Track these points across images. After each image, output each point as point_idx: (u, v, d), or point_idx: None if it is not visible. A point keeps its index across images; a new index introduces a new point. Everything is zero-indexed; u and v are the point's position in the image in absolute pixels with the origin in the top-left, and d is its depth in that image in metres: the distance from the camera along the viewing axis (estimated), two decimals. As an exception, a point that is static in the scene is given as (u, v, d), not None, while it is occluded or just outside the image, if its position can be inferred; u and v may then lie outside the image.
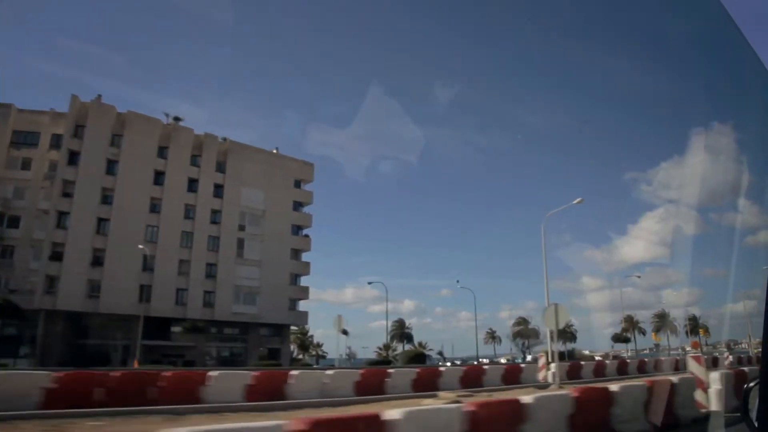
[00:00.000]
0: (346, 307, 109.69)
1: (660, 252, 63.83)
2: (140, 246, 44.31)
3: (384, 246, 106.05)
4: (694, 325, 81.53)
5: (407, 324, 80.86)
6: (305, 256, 56.73)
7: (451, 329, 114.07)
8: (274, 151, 57.30)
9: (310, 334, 75.44)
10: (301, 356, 72.23)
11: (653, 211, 66.31)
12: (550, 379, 19.07)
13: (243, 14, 74.24)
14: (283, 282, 53.05)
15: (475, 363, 56.75)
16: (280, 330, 53.78)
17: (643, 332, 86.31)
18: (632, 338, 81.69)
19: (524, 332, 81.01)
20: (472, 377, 20.08)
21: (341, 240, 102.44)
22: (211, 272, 49.66)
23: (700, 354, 13.22)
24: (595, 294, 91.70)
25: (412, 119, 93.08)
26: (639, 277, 57.09)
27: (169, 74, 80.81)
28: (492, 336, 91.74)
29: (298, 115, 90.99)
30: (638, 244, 76.66)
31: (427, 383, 17.83)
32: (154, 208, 47.94)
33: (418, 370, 19.39)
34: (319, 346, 77.94)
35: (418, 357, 47.34)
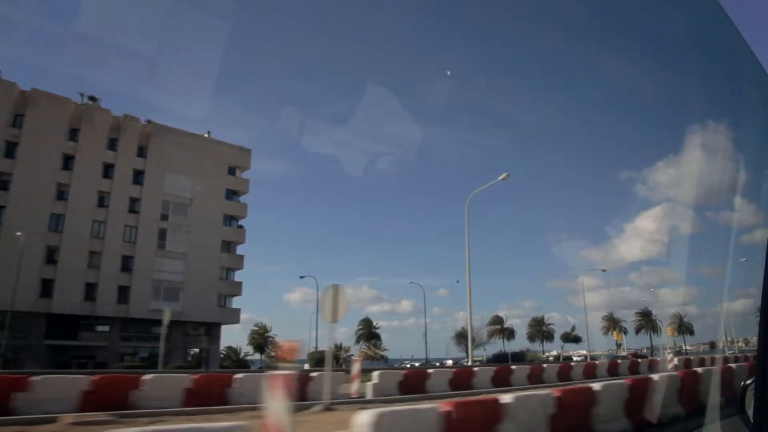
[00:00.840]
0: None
1: (656, 251, 64.52)
2: (40, 236, 40.06)
3: (381, 245, 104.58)
4: (679, 324, 79.27)
5: (375, 323, 76.73)
6: (241, 249, 52.90)
7: (449, 329, 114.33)
8: (206, 135, 53.24)
9: (272, 332, 71.69)
10: (259, 357, 68.67)
11: (650, 210, 65.73)
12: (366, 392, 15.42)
13: (240, 12, 72.33)
14: (212, 277, 49.00)
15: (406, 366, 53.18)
16: (209, 329, 49.75)
17: (624, 331, 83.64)
18: (586, 338, 78.59)
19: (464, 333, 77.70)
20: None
21: (339, 239, 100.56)
22: (127, 265, 45.49)
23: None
24: (592, 293, 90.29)
25: (409, 117, 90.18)
26: (604, 270, 53.47)
27: (164, 72, 78.75)
28: (464, 336, 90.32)
29: (294, 114, 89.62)
30: (635, 243, 75.54)
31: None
32: (62, 195, 43.67)
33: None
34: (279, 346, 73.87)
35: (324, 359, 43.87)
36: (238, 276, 52.33)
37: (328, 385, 11.67)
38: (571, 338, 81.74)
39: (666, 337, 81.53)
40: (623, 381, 9.96)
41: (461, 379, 19.44)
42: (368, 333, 73.46)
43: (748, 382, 2.17)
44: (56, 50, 62.52)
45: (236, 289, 51.42)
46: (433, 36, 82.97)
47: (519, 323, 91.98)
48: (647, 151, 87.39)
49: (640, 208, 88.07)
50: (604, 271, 49.33)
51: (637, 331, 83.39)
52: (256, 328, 69.43)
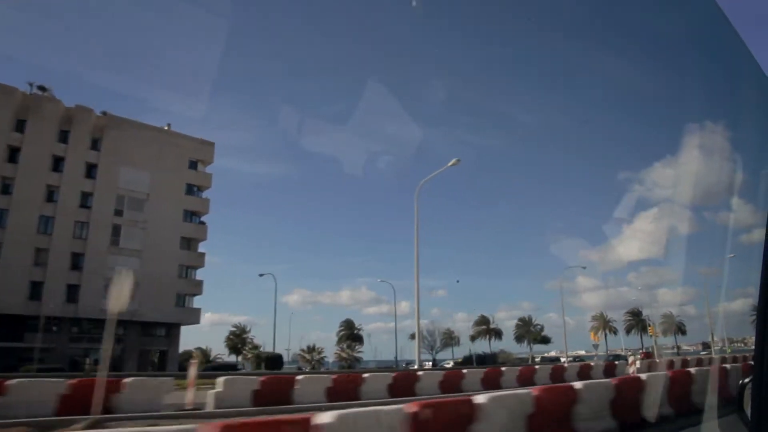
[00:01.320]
0: (342, 309, 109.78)
1: (655, 251, 63.98)
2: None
3: (380, 246, 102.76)
4: (669, 324, 77.58)
5: (357, 325, 74.73)
6: (205, 246, 50.91)
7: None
8: (166, 128, 51.19)
9: (251, 334, 69.39)
10: (235, 359, 66.60)
11: (648, 210, 66.14)
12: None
13: (238, 13, 70.60)
14: (170, 275, 46.95)
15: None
16: (169, 329, 47.69)
17: (614, 332, 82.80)
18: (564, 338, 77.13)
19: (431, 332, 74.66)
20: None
21: (337, 240, 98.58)
22: (77, 263, 43.35)
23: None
24: (591, 294, 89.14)
25: (408, 117, 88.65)
26: (584, 268, 52.21)
27: (162, 72, 77.97)
28: (450, 337, 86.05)
29: (293, 114, 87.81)
30: (633, 243, 73.67)
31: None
32: (7, 189, 41.48)
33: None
34: (256, 348, 71.47)
35: (272, 360, 42.19)
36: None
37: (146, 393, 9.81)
38: (539, 339, 79.83)
39: (658, 337, 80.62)
40: (609, 380, 9.97)
41: (403, 385, 17.79)
42: (349, 334, 71.86)
43: (746, 380, 2.16)
44: (53, 49, 61.73)
45: (196, 287, 49.44)
46: (432, 36, 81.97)
47: (519, 324, 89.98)
48: (645, 151, 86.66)
49: (638, 208, 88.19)
50: (584, 268, 48.19)
51: (628, 331, 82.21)
52: (235, 329, 68.25)
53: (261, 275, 58.23)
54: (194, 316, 49.26)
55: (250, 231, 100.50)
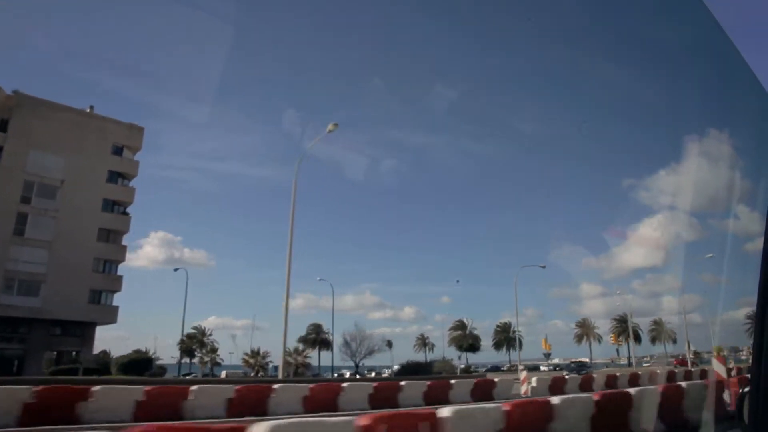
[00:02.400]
0: (346, 314, 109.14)
1: (659, 258, 61.64)
2: None
3: (384, 252, 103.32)
4: (659, 332, 75.31)
5: (325, 329, 69.63)
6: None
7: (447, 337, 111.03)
8: (88, 111, 47.23)
9: (211, 336, 64.94)
10: (188, 362, 62.74)
11: (652, 217, 66.17)
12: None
13: (243, 18, 71.34)
14: (83, 269, 42.92)
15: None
16: (83, 329, 43.61)
17: (599, 339, 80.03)
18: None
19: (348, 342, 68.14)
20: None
21: (342, 245, 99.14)
22: (-28, 254, 39.16)
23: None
24: (594, 301, 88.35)
25: (411, 125, 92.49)
26: (543, 267, 49.07)
27: (168, 77, 78.26)
28: (423, 343, 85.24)
29: (297, 120, 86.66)
30: (637, 250, 72.84)
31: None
32: None
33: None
34: (214, 351, 67.04)
35: (138, 364, 39.93)
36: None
37: None
38: (467, 346, 75.78)
39: (647, 347, 77.12)
40: (589, 395, 9.96)
41: (323, 398, 15.49)
42: (315, 339, 67.61)
43: (746, 390, 2.10)
44: (63, 54, 63.75)
45: (114, 283, 45.48)
46: (434, 44, 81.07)
47: (522, 330, 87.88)
48: (649, 159, 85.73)
49: (642, 215, 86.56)
50: (543, 267, 45.40)
51: (616, 338, 77.47)
52: (194, 332, 64.07)
53: (176, 269, 54.91)
54: (111, 315, 45.23)
55: (255, 234, 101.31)
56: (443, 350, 76.78)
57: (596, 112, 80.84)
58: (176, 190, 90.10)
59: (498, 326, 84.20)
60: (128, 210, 47.95)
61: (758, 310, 1.87)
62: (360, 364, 61.31)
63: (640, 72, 72.03)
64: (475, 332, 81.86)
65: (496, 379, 21.60)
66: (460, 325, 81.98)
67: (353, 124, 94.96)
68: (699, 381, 17.38)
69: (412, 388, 17.79)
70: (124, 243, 46.89)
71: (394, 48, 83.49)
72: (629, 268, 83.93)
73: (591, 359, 74.94)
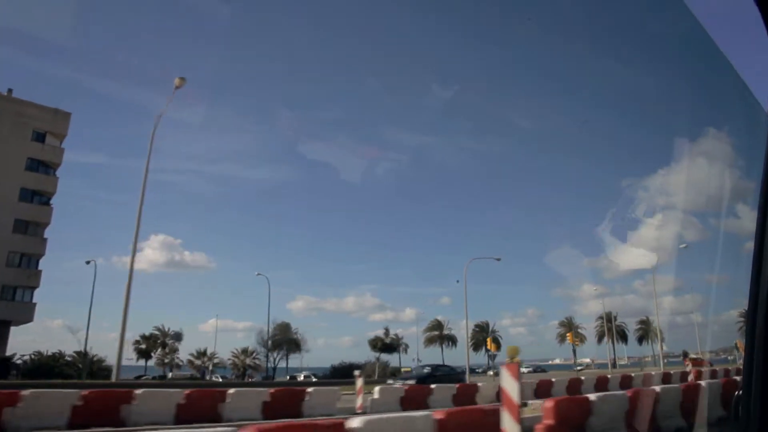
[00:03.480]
0: (347, 316, 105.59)
1: (660, 258, 59.88)
2: None
3: (384, 253, 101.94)
4: (646, 331, 73.05)
5: (294, 329, 66.29)
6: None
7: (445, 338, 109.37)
8: (5, 94, 43.80)
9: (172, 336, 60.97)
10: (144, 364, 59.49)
11: (652, 217, 63.48)
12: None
13: (237, 17, 70.05)
14: (-5, 262, 39.56)
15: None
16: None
17: (582, 339, 75.54)
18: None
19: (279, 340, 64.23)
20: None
21: (342, 246, 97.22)
22: None
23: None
24: (594, 301, 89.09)
25: (408, 123, 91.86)
26: (498, 259, 46.57)
27: (161, 77, 78.75)
28: (398, 343, 78.55)
29: (293, 120, 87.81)
30: (638, 250, 71.09)
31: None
32: None
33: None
34: (174, 351, 63.07)
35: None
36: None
37: None
38: (380, 346, 69.92)
39: (633, 347, 75.17)
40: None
41: (201, 405, 13.92)
42: (284, 339, 63.11)
43: (740, 392, 2.07)
44: (53, 54, 65.43)
45: (32, 279, 42.11)
46: (431, 41, 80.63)
47: (523, 331, 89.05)
48: (648, 158, 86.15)
49: (642, 215, 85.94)
50: (498, 260, 43.24)
51: (600, 338, 74.48)
52: (157, 332, 60.76)
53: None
54: (26, 313, 41.85)
55: (254, 237, 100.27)
56: (417, 351, 73.94)
57: (593, 110, 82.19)
58: (173, 192, 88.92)
59: (476, 326, 79.45)
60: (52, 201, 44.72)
61: (750, 309, 1.89)
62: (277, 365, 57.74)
63: (636, 69, 73.68)
64: (452, 332, 78.34)
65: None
66: (436, 325, 78.43)
67: (349, 123, 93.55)
68: (674, 385, 15.75)
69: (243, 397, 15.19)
70: (45, 236, 43.60)
71: (389, 46, 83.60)
72: (629, 268, 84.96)
73: (575, 360, 72.22)
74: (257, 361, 62.59)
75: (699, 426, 8.68)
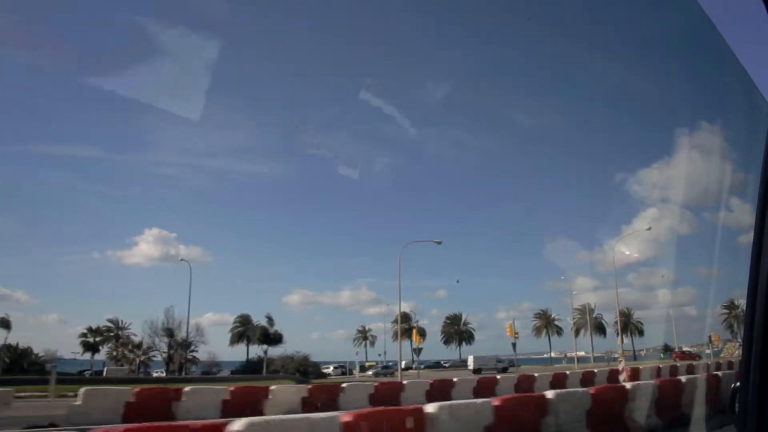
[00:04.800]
0: (342, 310, 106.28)
1: (654, 252, 62.05)
2: None
3: (380, 246, 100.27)
4: (626, 323, 71.68)
5: (255, 321, 64.26)
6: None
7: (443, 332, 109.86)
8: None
9: (127, 331, 57.68)
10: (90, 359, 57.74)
11: (646, 211, 65.82)
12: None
13: (234, 16, 69.27)
14: None
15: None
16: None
17: (558, 332, 75.44)
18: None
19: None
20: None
21: (336, 241, 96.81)
22: None
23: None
24: (590, 294, 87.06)
25: (405, 119, 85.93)
26: (439, 242, 43.47)
27: (159, 73, 73.72)
28: (364, 337, 78.38)
29: (291, 115, 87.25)
30: (632, 244, 72.59)
31: None
32: None
33: None
34: (125, 345, 56.90)
35: None
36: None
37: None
38: (268, 338, 61.59)
39: (612, 340, 72.37)
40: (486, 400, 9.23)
41: None
42: (243, 332, 62.24)
43: (737, 384, 2.15)
44: (51, 49, 59.69)
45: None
46: (429, 37, 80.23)
47: (518, 325, 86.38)
48: (641, 152, 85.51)
49: (636, 209, 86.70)
50: (439, 243, 40.85)
51: (577, 332, 72.77)
52: (111, 325, 58.12)
53: (181, 260, 50.31)
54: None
55: (250, 231, 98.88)
56: (384, 345, 72.67)
57: (589, 106, 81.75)
58: (170, 186, 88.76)
59: (447, 318, 78.50)
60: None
61: (748, 303, 1.89)
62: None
63: (632, 65, 73.33)
64: (421, 325, 74.77)
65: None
66: (405, 318, 73.03)
67: (347, 119, 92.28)
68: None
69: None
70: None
71: (387, 42, 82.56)
72: (623, 261, 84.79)
73: (550, 353, 72.76)
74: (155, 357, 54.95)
75: (697, 422, 8.61)
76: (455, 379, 21.03)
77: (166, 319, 51.75)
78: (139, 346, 47.92)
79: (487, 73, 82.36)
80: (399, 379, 26.95)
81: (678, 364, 32.77)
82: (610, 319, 72.42)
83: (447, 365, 67.64)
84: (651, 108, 73.90)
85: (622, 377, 24.47)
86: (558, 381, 23.05)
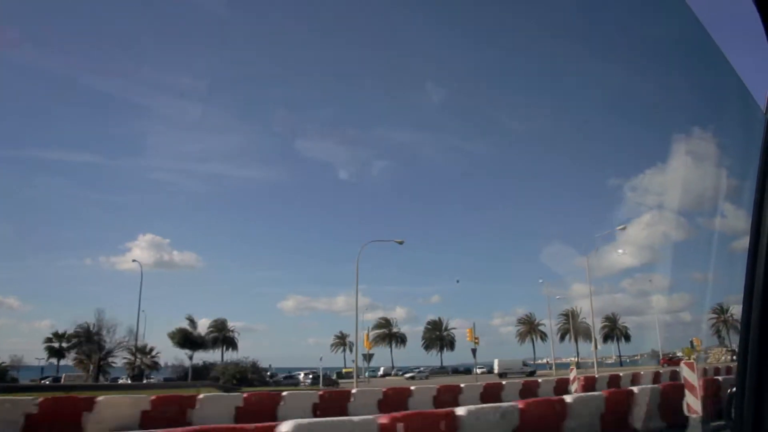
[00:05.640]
0: (338, 315, 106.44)
1: (648, 257, 63.56)
2: None
3: (373, 251, 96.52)
4: (612, 329, 72.46)
5: (230, 326, 64.41)
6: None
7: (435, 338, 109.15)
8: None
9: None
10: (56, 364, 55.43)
11: (640, 217, 67.20)
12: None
13: (231, 17, 72.35)
14: None
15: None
16: None
17: (542, 337, 74.13)
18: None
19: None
20: None
21: (333, 245, 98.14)
22: None
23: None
24: (585, 300, 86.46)
25: (400, 123, 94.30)
26: (401, 242, 40.99)
27: (156, 77, 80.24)
28: (342, 342, 76.47)
29: (286, 119, 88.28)
30: (627, 249, 72.83)
31: None
32: None
33: None
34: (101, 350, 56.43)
35: None
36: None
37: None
38: (191, 342, 54.78)
39: (598, 346, 73.90)
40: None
41: None
42: (220, 337, 62.03)
43: (734, 389, 2.07)
44: (49, 51, 66.99)
45: None
46: (424, 42, 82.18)
47: (512, 330, 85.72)
48: (635, 158, 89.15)
49: (630, 215, 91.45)
50: (400, 243, 38.72)
51: (562, 337, 71.43)
52: (80, 330, 52.31)
53: (134, 261, 48.66)
54: None
55: (245, 236, 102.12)
56: (356, 350, 72.68)
57: (584, 111, 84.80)
58: (164, 192, 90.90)
59: (428, 323, 77.14)
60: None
61: (744, 308, 1.88)
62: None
63: (627, 71, 74.98)
64: (401, 330, 76.41)
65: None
66: (384, 323, 75.11)
67: (343, 123, 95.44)
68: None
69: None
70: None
71: (383, 46, 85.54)
72: (618, 267, 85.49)
73: (534, 359, 71.15)
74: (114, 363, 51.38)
75: (693, 427, 8.68)
76: (413, 387, 19.41)
77: (97, 322, 48.41)
78: (99, 350, 45.59)
79: (484, 77, 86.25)
80: (349, 388, 22.76)
81: (662, 371, 32.06)
82: (597, 324, 72.58)
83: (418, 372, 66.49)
84: (644, 113, 77.14)
85: (573, 387, 22.92)
86: (491, 393, 20.14)
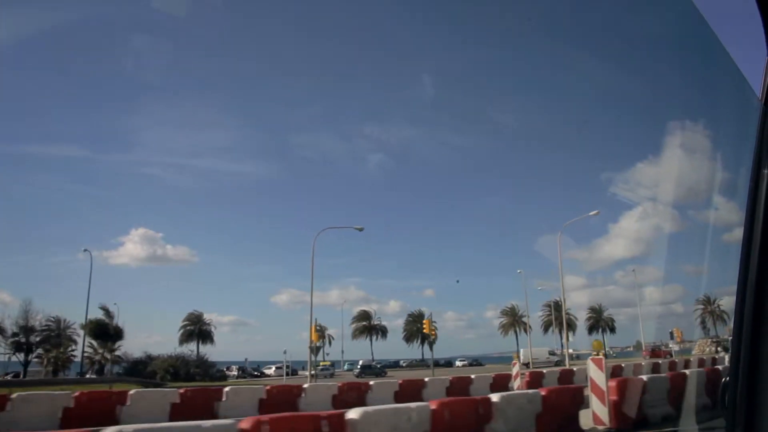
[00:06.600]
0: (330, 309, 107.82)
1: (641, 250, 63.50)
2: None
3: (367, 246, 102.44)
4: (597, 321, 71.72)
5: (206, 319, 63.07)
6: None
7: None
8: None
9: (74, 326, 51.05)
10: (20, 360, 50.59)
11: (633, 210, 67.37)
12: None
13: (221, 13, 71.04)
14: None
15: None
16: None
17: (526, 329, 72.19)
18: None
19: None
20: None
21: (326, 240, 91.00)
22: None
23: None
24: (578, 292, 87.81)
25: (393, 118, 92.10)
26: (361, 229, 38.20)
27: (145, 73, 77.39)
28: (322, 335, 78.39)
29: (278, 114, 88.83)
30: (619, 242, 75.97)
31: None
32: None
33: None
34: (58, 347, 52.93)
35: None
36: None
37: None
38: (107, 334, 50.06)
39: (583, 337, 72.61)
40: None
41: None
42: (195, 330, 60.72)
43: (727, 378, 2.12)
44: (34, 46, 64.67)
45: None
46: (416, 38, 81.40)
47: (505, 322, 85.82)
48: (628, 151, 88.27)
49: (622, 208, 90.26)
50: (360, 230, 36.46)
51: (546, 328, 70.86)
52: (51, 323, 50.16)
53: (85, 250, 46.59)
54: None
55: (237, 230, 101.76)
56: (342, 343, 71.31)
57: (577, 104, 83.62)
58: (156, 186, 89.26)
59: (410, 316, 75.03)
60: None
61: (738, 299, 1.92)
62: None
63: (621, 62, 74.75)
64: (382, 323, 75.32)
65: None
66: (364, 315, 73.69)
67: (336, 118, 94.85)
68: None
69: None
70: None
71: (375, 41, 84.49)
72: (611, 260, 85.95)
73: (518, 351, 71.03)
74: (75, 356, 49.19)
75: (686, 413, 8.67)
76: (372, 383, 18.33)
77: (24, 314, 46.03)
78: (58, 345, 43.85)
79: (473, 73, 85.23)
80: (302, 384, 19.77)
81: (643, 363, 31.61)
82: (582, 316, 72.36)
83: (404, 364, 65.57)
84: (637, 106, 76.44)
85: (515, 384, 21.68)
86: (409, 389, 18.04)
